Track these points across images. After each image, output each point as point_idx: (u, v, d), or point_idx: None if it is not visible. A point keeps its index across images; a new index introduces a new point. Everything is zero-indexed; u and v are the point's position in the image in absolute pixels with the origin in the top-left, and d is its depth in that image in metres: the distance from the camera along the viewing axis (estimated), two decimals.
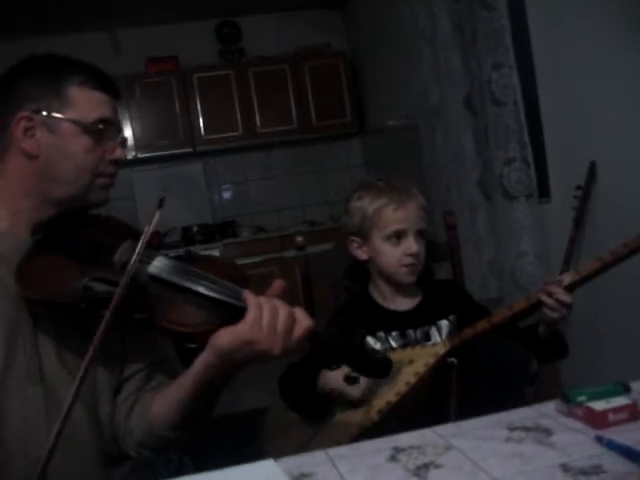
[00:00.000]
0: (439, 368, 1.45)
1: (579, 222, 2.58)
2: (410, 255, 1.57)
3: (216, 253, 4.78)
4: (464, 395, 1.45)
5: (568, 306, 1.42)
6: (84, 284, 1.04)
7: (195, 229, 5.05)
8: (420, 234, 1.60)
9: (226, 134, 5.20)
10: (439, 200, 3.46)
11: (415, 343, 1.56)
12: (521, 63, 2.85)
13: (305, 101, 5.29)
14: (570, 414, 1.00)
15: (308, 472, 0.92)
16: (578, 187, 2.55)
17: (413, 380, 1.42)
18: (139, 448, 1.17)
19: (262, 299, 1.03)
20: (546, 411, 1.05)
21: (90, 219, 1.22)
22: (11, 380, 1.07)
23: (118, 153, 1.20)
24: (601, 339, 2.60)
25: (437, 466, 0.89)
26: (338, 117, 5.35)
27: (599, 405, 0.96)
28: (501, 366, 1.49)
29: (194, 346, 1.06)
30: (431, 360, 1.45)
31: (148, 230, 1.03)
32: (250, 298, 1.03)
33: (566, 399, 1.01)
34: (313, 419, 1.53)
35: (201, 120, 5.17)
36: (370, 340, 1.54)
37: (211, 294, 1.05)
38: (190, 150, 5.20)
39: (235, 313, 1.03)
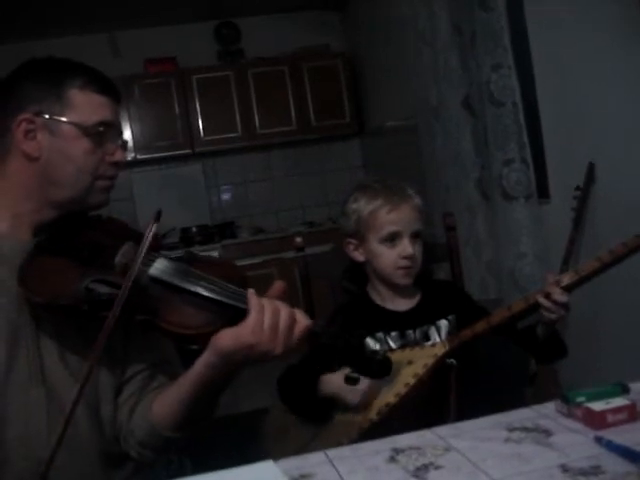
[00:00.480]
0: (438, 369, 1.45)
1: (578, 223, 2.58)
2: (405, 257, 1.57)
3: (215, 254, 4.77)
4: (463, 396, 1.45)
5: (565, 306, 1.43)
6: (86, 286, 1.05)
7: (194, 230, 5.04)
8: (416, 236, 1.60)
9: (225, 135, 5.20)
10: (438, 201, 3.46)
11: (414, 343, 1.56)
12: (520, 64, 2.85)
13: (304, 102, 5.29)
14: (569, 415, 1.01)
15: (307, 473, 0.92)
16: (577, 188, 2.55)
17: (412, 381, 1.42)
18: (140, 448, 1.17)
19: (265, 300, 1.04)
20: (545, 412, 1.05)
21: (91, 220, 1.23)
22: (13, 382, 1.07)
23: (118, 156, 1.20)
24: (600, 340, 2.60)
25: (436, 467, 0.90)
26: (337, 118, 5.35)
27: (598, 406, 0.97)
28: (500, 367, 1.50)
29: (195, 347, 1.06)
30: (430, 361, 1.45)
31: (147, 240, 1.04)
32: (253, 299, 1.03)
33: (565, 400, 1.01)
34: (313, 421, 1.53)
35: (200, 121, 5.17)
36: (369, 341, 1.55)
37: (213, 296, 1.05)
38: (189, 151, 5.20)
39: (236, 314, 1.03)
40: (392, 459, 0.94)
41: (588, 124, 2.50)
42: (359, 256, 1.64)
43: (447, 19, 3.23)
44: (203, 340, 1.03)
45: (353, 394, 1.41)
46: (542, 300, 1.43)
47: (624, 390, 1.03)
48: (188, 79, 5.15)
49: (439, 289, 1.70)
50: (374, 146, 5.33)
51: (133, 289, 1.01)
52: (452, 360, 1.47)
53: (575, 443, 0.92)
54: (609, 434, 0.91)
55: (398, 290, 1.63)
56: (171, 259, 1.12)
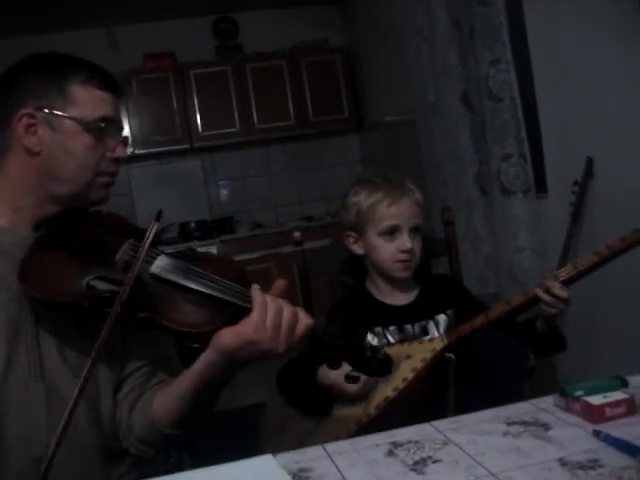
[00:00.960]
0: (437, 364, 1.46)
1: (576, 217, 2.58)
2: (404, 251, 1.57)
3: (214, 249, 4.78)
4: (462, 390, 1.45)
5: (565, 301, 1.43)
6: (87, 283, 1.05)
7: (193, 225, 5.04)
8: (415, 230, 1.60)
9: (223, 130, 5.19)
10: (437, 196, 3.46)
11: (413, 338, 1.56)
12: (518, 59, 2.85)
13: (303, 97, 5.28)
14: (568, 409, 1.01)
15: (306, 467, 0.92)
16: (575, 182, 2.55)
17: (410, 376, 1.43)
18: (140, 444, 1.17)
19: (268, 298, 1.04)
20: (544, 406, 1.05)
21: (91, 216, 1.22)
22: (13, 378, 1.07)
23: (119, 151, 1.20)
24: (598, 333, 2.61)
25: (435, 461, 0.90)
26: (336, 113, 5.34)
27: (596, 399, 0.97)
28: (499, 361, 1.50)
29: (196, 346, 1.06)
30: (428, 355, 1.45)
31: (147, 240, 1.04)
32: (257, 296, 1.03)
33: (564, 394, 1.02)
34: (312, 413, 1.53)
35: (198, 116, 5.15)
36: (368, 335, 1.55)
37: (214, 294, 1.05)
38: (187, 146, 5.19)
39: (238, 312, 1.03)
40: (391, 453, 0.94)
41: (586, 119, 2.50)
42: (358, 249, 1.65)
43: (446, 14, 3.22)
44: (204, 338, 1.03)
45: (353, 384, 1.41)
46: (542, 295, 1.43)
47: (622, 384, 1.03)
48: (186, 74, 5.13)
49: (438, 284, 1.70)
50: (373, 141, 5.33)
51: (134, 287, 1.01)
52: (451, 354, 1.47)
53: (573, 437, 0.92)
54: (607, 428, 0.91)
55: (397, 284, 1.64)
56: (172, 256, 1.12)
